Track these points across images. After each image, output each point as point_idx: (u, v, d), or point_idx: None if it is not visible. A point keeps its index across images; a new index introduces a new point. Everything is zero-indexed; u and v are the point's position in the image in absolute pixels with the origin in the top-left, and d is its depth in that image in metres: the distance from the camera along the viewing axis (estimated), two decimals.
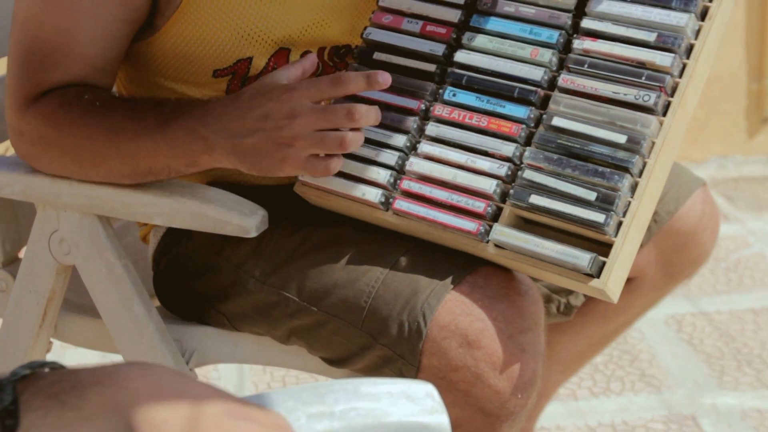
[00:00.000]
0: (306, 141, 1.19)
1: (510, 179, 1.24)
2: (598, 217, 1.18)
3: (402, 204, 1.27)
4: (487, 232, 1.23)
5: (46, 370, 0.75)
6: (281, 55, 1.35)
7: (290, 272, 1.33)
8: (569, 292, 1.54)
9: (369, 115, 1.20)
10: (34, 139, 1.30)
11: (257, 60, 1.33)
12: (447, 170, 1.26)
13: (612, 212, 1.18)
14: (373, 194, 1.28)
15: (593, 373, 2.24)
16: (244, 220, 1.29)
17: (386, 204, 1.28)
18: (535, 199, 1.22)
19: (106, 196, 1.32)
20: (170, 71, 1.35)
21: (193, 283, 1.41)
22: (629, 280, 1.46)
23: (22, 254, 1.47)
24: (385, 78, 1.21)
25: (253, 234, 1.29)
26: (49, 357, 1.46)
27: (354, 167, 1.29)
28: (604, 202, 1.19)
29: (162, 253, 1.46)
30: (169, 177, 1.29)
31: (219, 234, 1.31)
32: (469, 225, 1.23)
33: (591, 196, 1.19)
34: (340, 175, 1.29)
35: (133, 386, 0.72)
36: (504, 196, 1.24)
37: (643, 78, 1.22)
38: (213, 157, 1.24)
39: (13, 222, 1.49)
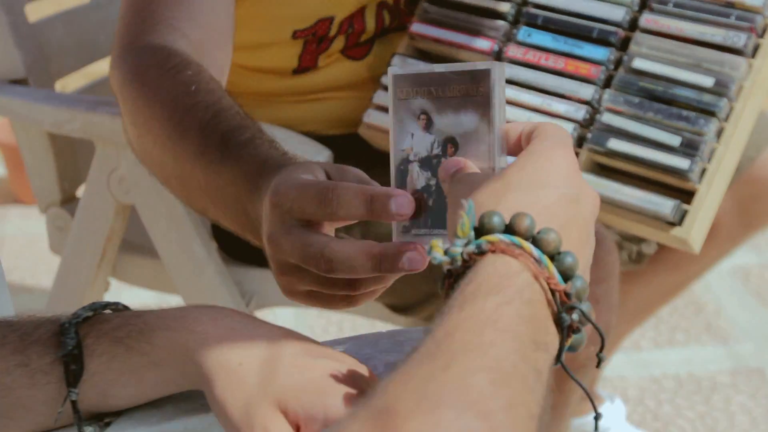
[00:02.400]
0: (301, 286, 0.80)
1: (587, 123, 1.19)
2: (683, 162, 1.12)
3: None
4: None
5: (109, 311, 0.72)
6: (358, 16, 1.29)
7: None
8: (641, 240, 1.49)
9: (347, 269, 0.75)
10: (117, 87, 1.04)
11: (338, 19, 1.28)
12: (522, 113, 1.20)
13: (697, 158, 1.12)
14: None
15: (657, 324, 2.18)
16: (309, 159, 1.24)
17: None
18: (614, 144, 1.16)
19: None
20: (250, 33, 1.29)
21: None
22: None
23: (80, 193, 1.44)
24: (400, 205, 0.72)
25: None
26: (107, 297, 1.44)
27: None
28: (689, 147, 1.12)
29: None
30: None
31: None
32: None
33: (675, 140, 1.13)
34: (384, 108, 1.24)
35: (203, 330, 0.68)
36: (581, 141, 1.19)
37: (732, 18, 1.15)
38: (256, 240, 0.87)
39: (71, 160, 1.47)
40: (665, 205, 1.12)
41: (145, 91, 1.01)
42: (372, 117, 1.27)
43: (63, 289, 1.43)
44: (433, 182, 0.71)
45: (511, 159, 0.68)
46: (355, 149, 1.33)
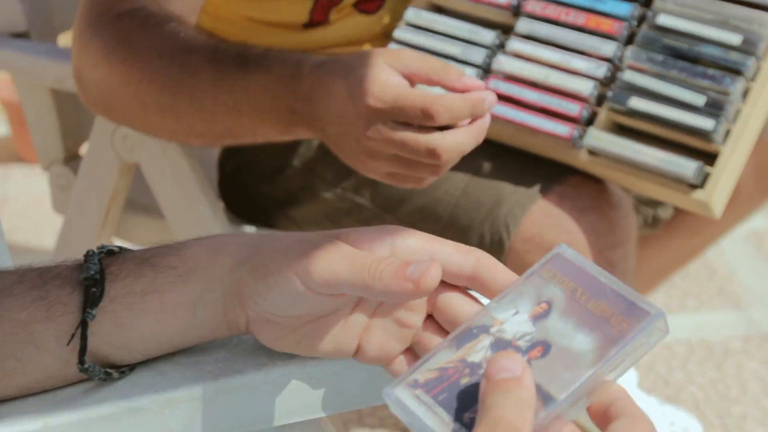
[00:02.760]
0: (387, 169, 1.00)
1: (608, 81, 1.15)
2: (707, 123, 1.08)
3: None
4: (581, 137, 1.14)
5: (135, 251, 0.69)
6: None
7: (364, 177, 1.25)
8: (657, 204, 1.45)
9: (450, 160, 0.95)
10: (99, 58, 1.07)
11: None
12: (539, 70, 1.16)
13: (722, 118, 1.08)
14: None
15: (668, 289, 2.15)
16: None
17: None
18: (636, 103, 1.12)
19: None
20: None
21: (260, 185, 1.35)
22: None
23: (83, 151, 1.41)
24: (491, 102, 0.96)
25: None
26: None
27: None
28: (713, 107, 1.08)
29: (229, 154, 1.39)
30: (254, 141, 1.08)
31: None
32: (562, 129, 1.14)
33: (699, 100, 1.09)
34: None
35: (232, 240, 0.66)
36: (600, 100, 1.15)
37: None
38: (306, 130, 1.03)
39: (74, 116, 1.43)
40: (687, 167, 1.08)
41: (137, 50, 1.04)
42: None
43: (66, 250, 1.40)
44: (483, 368, 0.57)
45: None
46: None
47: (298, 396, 0.68)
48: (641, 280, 1.64)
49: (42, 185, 2.38)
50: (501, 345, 0.58)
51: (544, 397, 0.55)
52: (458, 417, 0.56)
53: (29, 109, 1.42)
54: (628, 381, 1.73)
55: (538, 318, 0.59)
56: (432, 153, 0.93)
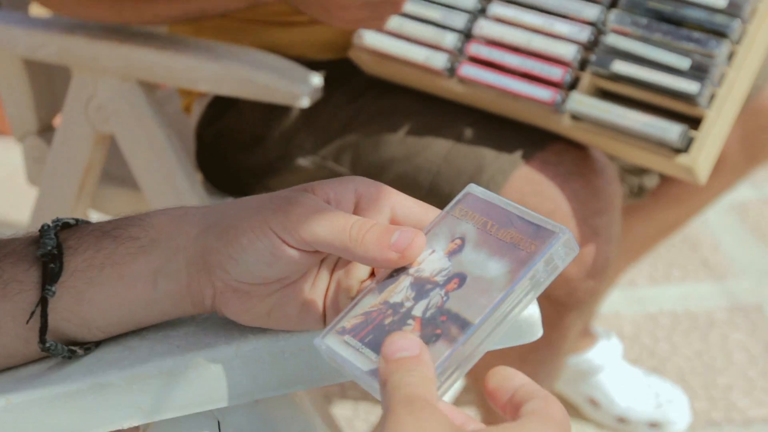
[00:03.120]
0: (356, 16, 1.06)
1: (591, 45, 1.12)
2: (691, 86, 1.06)
3: (469, 70, 1.16)
4: (563, 102, 1.12)
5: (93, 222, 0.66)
6: None
7: (343, 144, 1.23)
8: (642, 173, 1.43)
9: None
10: None
11: None
12: (520, 34, 1.14)
13: (707, 81, 1.06)
14: (437, 59, 1.17)
15: (653, 260, 2.14)
16: (295, 86, 1.18)
17: (451, 70, 1.17)
18: (619, 66, 1.09)
19: (146, 59, 1.22)
20: None
21: (238, 156, 1.32)
22: None
23: (57, 122, 1.38)
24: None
25: (304, 103, 1.18)
26: None
27: (416, 30, 1.17)
28: (698, 70, 1.06)
29: (206, 124, 1.36)
30: (215, 11, 1.14)
31: (268, 104, 1.21)
32: (544, 94, 1.12)
33: (684, 63, 1.07)
34: (401, 38, 1.18)
35: (197, 210, 0.64)
36: (584, 64, 1.12)
37: None
38: None
39: (47, 87, 1.40)
40: (672, 130, 1.06)
41: None
42: (363, 39, 1.20)
43: (41, 223, 1.37)
44: (406, 307, 0.59)
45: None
46: (345, 74, 1.26)
47: (271, 370, 0.65)
48: (626, 251, 1.62)
49: (17, 158, 2.34)
50: (420, 282, 0.60)
51: (462, 324, 0.57)
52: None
53: (1, 79, 1.39)
54: (613, 352, 1.72)
55: (453, 253, 0.61)
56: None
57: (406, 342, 0.53)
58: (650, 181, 1.44)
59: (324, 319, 0.64)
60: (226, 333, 0.66)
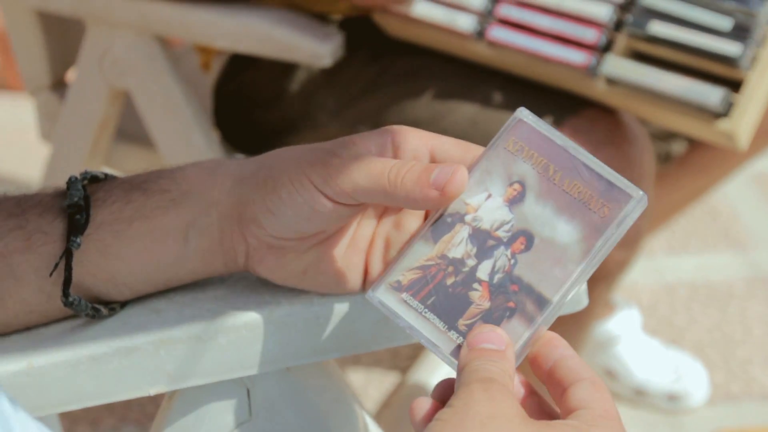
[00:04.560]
0: None
1: (627, 5, 1.08)
2: (733, 48, 1.02)
3: (498, 33, 1.12)
4: (598, 65, 1.08)
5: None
6: None
7: (366, 105, 1.19)
8: (670, 139, 1.40)
9: None
10: None
11: None
12: None
13: (749, 42, 1.02)
14: (465, 22, 1.13)
15: (672, 230, 2.10)
16: (317, 44, 1.14)
17: (480, 33, 1.13)
18: (657, 28, 1.05)
19: (163, 14, 1.18)
20: None
21: (257, 113, 1.28)
22: None
23: (70, 77, 1.34)
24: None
25: (327, 61, 1.15)
26: None
27: None
28: (740, 30, 1.02)
29: (225, 80, 1.32)
30: None
31: (288, 62, 1.17)
32: (578, 57, 1.08)
33: (725, 23, 1.03)
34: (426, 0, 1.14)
35: (231, 162, 0.61)
36: (619, 25, 1.08)
37: None
38: None
39: (61, 40, 1.36)
40: (712, 94, 1.02)
41: None
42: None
43: (53, 180, 1.34)
44: (468, 266, 0.55)
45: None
46: (368, 33, 1.22)
47: (304, 337, 0.62)
48: (651, 218, 1.59)
49: (28, 114, 2.31)
50: (480, 236, 0.56)
51: (537, 299, 0.54)
52: (452, 324, 0.55)
53: (13, 31, 1.35)
54: (632, 322, 1.69)
55: (513, 202, 0.56)
56: None
57: (494, 336, 0.53)
58: (678, 148, 1.41)
59: (364, 281, 0.60)
60: (257, 297, 0.62)
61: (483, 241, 0.56)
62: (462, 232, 0.56)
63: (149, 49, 1.22)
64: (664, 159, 1.42)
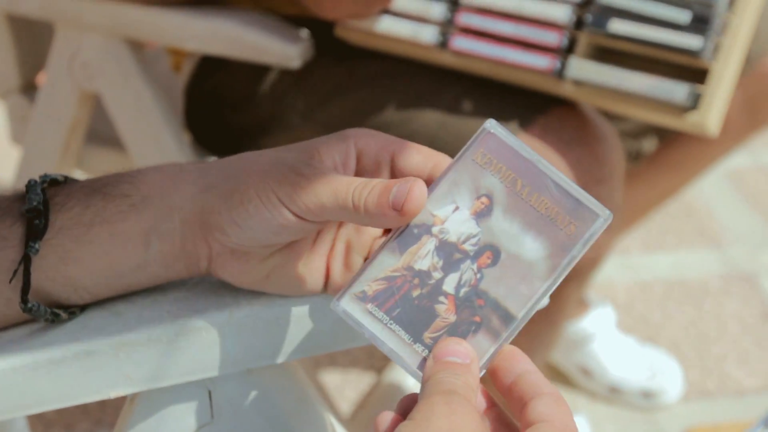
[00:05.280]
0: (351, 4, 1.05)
1: (585, 3, 1.08)
2: (694, 41, 1.02)
3: (461, 42, 1.12)
4: (563, 68, 1.08)
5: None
6: None
7: (336, 108, 1.19)
8: (641, 138, 1.40)
9: None
10: None
11: None
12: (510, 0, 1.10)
13: (710, 32, 1.02)
14: (427, 33, 1.13)
15: (648, 227, 2.11)
16: (287, 46, 1.14)
17: (443, 44, 1.13)
18: (617, 26, 1.05)
19: (133, 17, 1.18)
20: None
21: (228, 115, 1.28)
22: None
23: (40, 80, 1.34)
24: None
25: (296, 63, 1.15)
26: None
27: (401, 2, 1.13)
28: (700, 22, 1.02)
29: (196, 82, 1.32)
30: None
31: (258, 64, 1.17)
32: (542, 61, 1.08)
33: (684, 16, 1.03)
34: (385, 12, 1.14)
35: (194, 166, 0.61)
36: (579, 24, 1.09)
37: None
38: None
39: (30, 43, 1.36)
40: (678, 90, 1.03)
41: None
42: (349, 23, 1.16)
43: (24, 181, 1.33)
44: (434, 278, 0.56)
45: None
46: (334, 34, 1.22)
47: (265, 338, 0.62)
48: (622, 217, 1.60)
49: (1, 117, 2.30)
50: (446, 248, 0.56)
51: (503, 315, 0.55)
52: (417, 337, 0.55)
53: None
54: (607, 320, 1.69)
55: (480, 216, 0.56)
56: None
57: (459, 349, 0.53)
58: (648, 146, 1.41)
59: (326, 283, 0.61)
60: (218, 299, 0.63)
61: (449, 253, 0.56)
62: (428, 245, 0.56)
63: (119, 52, 1.22)
64: (635, 157, 1.42)
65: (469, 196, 0.56)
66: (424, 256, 0.56)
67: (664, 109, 1.05)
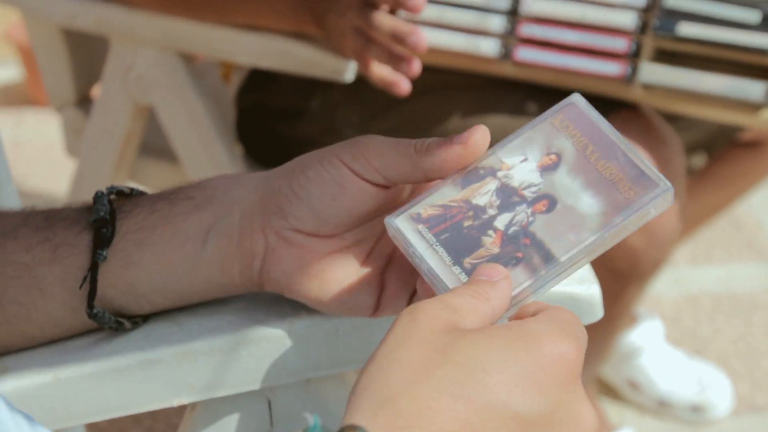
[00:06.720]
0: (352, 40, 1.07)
1: (649, 7, 1.08)
2: (765, 39, 1.02)
3: (525, 53, 1.12)
4: (634, 73, 1.08)
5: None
6: None
7: (392, 120, 1.20)
8: (691, 154, 1.39)
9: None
10: None
11: None
12: (573, 8, 1.10)
13: None
14: (487, 46, 1.13)
15: (695, 240, 2.10)
16: (338, 60, 1.15)
17: (506, 55, 1.13)
18: (686, 29, 1.05)
19: (185, 31, 1.20)
20: None
21: (279, 127, 1.29)
22: (756, 142, 1.31)
23: (95, 93, 1.36)
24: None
25: (348, 77, 1.16)
26: None
27: (459, 16, 1.13)
28: None
29: (246, 93, 1.33)
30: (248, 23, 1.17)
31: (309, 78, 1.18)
32: (612, 68, 1.08)
33: (753, 16, 1.02)
34: (442, 27, 1.14)
35: (258, 172, 0.63)
36: (644, 28, 1.08)
37: None
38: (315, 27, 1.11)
39: (86, 57, 1.38)
40: (753, 89, 1.03)
41: None
42: None
43: (79, 195, 1.36)
44: (488, 214, 0.57)
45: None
46: None
47: (324, 349, 0.63)
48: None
49: (54, 129, 2.34)
50: (506, 191, 0.58)
51: (545, 255, 0.56)
52: (458, 260, 0.57)
53: (39, 48, 1.37)
54: (655, 333, 1.68)
55: (546, 169, 0.58)
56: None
57: (493, 271, 0.53)
58: (697, 161, 1.41)
59: (378, 305, 0.61)
60: (278, 309, 0.63)
61: (508, 196, 0.58)
62: (490, 185, 0.58)
63: (172, 65, 1.24)
64: (686, 172, 1.42)
65: (539, 152, 0.58)
66: (483, 193, 0.58)
67: (737, 107, 1.05)
